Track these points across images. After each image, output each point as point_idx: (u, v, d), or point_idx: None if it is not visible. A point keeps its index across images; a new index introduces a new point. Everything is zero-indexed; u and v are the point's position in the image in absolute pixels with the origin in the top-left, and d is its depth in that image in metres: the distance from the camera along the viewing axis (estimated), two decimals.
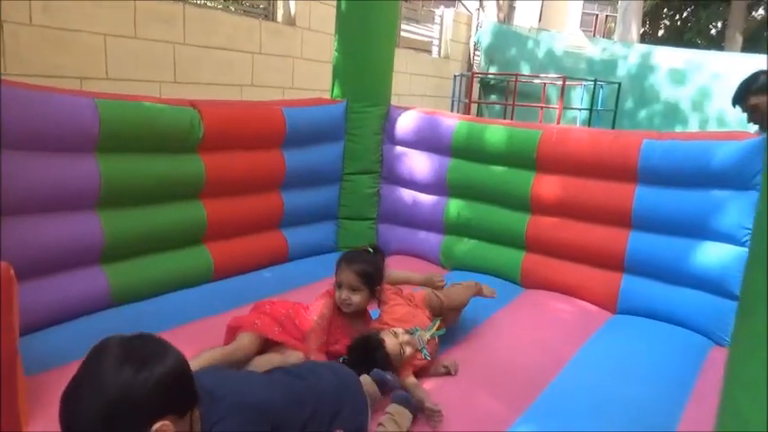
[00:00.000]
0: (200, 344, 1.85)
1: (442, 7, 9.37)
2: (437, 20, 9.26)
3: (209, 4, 5.46)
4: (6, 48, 3.59)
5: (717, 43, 14.20)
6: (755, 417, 0.98)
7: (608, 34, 16.06)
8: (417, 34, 8.85)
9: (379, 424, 1.63)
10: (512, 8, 11.50)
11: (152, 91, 4.39)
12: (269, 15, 5.83)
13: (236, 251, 2.86)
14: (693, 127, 8.17)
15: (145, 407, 1.09)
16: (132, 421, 1.08)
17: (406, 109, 3.35)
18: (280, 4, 5.85)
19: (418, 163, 3.24)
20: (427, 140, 3.19)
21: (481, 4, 10.28)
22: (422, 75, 8.50)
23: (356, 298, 2.04)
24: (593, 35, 14.85)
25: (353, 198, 3.41)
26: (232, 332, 1.99)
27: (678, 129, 8.12)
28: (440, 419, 1.70)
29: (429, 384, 1.91)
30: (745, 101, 2.80)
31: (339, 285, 2.07)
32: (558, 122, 7.82)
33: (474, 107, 9.20)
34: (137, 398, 1.07)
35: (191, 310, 2.32)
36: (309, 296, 2.21)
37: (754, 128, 2.83)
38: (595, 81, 8.27)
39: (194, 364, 1.64)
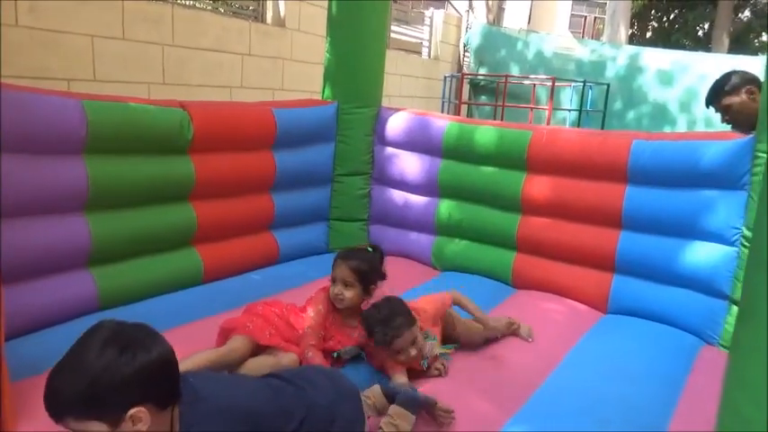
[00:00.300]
0: (190, 347, 1.83)
1: (431, 9, 9.39)
2: (427, 21, 9.28)
3: (197, 5, 5.42)
4: None
5: (704, 44, 14.37)
6: (755, 417, 0.99)
7: (597, 36, 16.18)
8: (407, 36, 8.87)
9: (379, 427, 1.62)
10: (501, 10, 11.56)
11: (140, 93, 4.36)
12: (258, 17, 5.80)
13: (226, 253, 2.84)
14: (681, 128, 8.26)
15: (123, 390, 1.10)
16: (109, 401, 1.10)
17: (397, 110, 3.35)
18: (269, 6, 5.83)
19: (409, 164, 3.23)
20: (418, 142, 3.19)
21: (470, 6, 10.32)
22: (412, 76, 8.51)
23: (348, 293, 2.05)
24: (582, 36, 14.95)
25: (344, 199, 3.40)
26: (224, 334, 1.98)
27: (666, 129, 8.19)
28: (450, 422, 1.69)
29: (420, 385, 1.90)
30: (718, 101, 2.83)
31: (333, 280, 2.08)
32: (548, 123, 7.86)
33: (464, 108, 9.23)
34: (115, 379, 1.09)
35: (180, 313, 2.30)
36: (300, 298, 2.21)
37: (727, 128, 2.85)
38: (584, 82, 8.33)
39: (187, 365, 1.63)
